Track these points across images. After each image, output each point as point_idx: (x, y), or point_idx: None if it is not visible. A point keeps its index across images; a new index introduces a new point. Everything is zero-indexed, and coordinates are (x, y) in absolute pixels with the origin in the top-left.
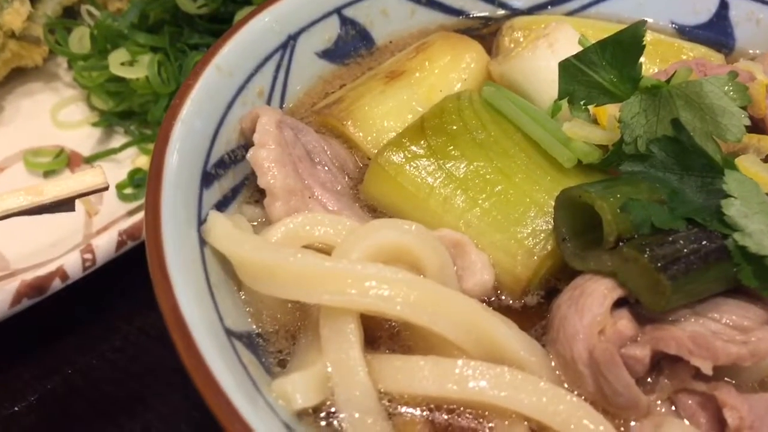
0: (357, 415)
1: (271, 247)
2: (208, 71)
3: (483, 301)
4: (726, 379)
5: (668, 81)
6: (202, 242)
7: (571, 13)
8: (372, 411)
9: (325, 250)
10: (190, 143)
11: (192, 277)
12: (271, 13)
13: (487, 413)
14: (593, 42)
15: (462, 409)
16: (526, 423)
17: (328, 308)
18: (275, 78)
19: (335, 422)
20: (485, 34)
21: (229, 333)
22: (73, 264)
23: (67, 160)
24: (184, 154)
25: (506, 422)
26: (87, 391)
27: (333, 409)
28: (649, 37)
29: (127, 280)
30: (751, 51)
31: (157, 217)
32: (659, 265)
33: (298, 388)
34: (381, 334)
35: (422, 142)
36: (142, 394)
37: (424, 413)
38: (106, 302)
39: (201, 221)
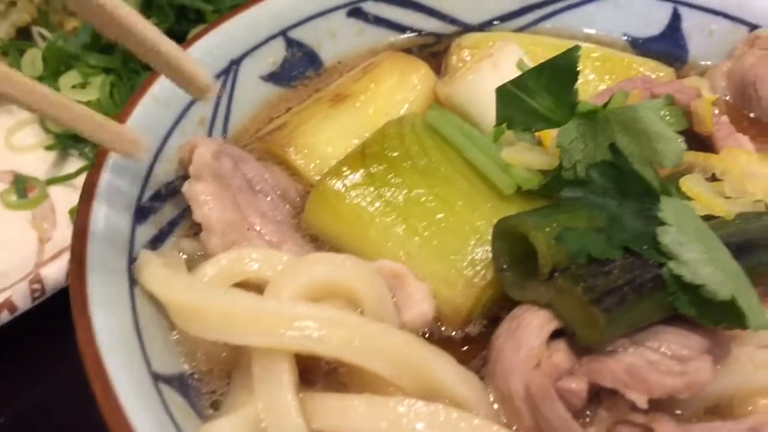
0: None
1: (198, 287)
2: (143, 102)
3: (424, 332)
4: (669, 407)
5: (606, 105)
6: (132, 281)
7: (522, 29)
8: None
9: (263, 287)
10: (123, 175)
11: (117, 320)
12: (211, 38)
13: None
14: (536, 64)
15: None
16: None
17: (260, 348)
18: (217, 105)
19: None
20: (436, 51)
21: (157, 377)
22: (21, 295)
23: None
24: (115, 188)
25: None
26: (40, 423)
27: None
28: (598, 53)
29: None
30: (703, 63)
31: (82, 254)
32: (593, 297)
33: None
34: (317, 372)
35: (362, 170)
36: (96, 424)
37: None
38: (57, 331)
39: (132, 258)
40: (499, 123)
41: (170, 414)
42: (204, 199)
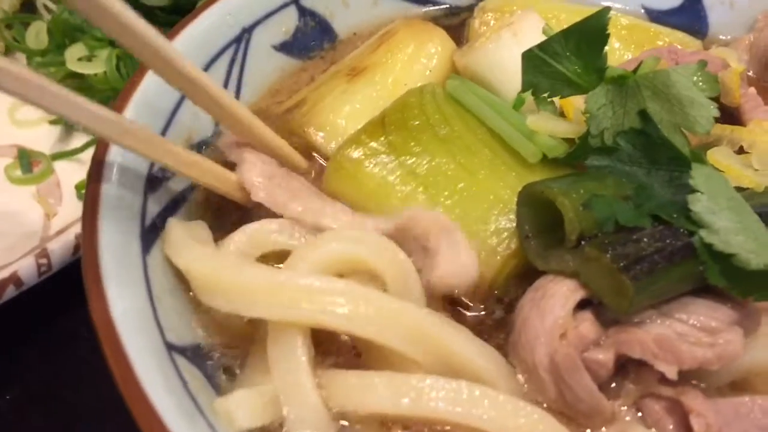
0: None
1: (217, 258)
2: (151, 72)
3: (454, 294)
4: (694, 382)
5: (635, 71)
6: (145, 250)
7: None
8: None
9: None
10: None
11: (130, 290)
12: (223, 6)
13: (447, 428)
14: (559, 30)
15: (420, 426)
16: None
17: (276, 324)
18: (229, 73)
19: None
20: (452, 24)
21: (171, 347)
22: (27, 269)
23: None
24: (125, 158)
25: None
26: (46, 399)
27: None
28: (624, 21)
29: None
30: (722, 36)
31: (94, 223)
32: (622, 265)
33: (241, 407)
34: (335, 348)
35: (382, 138)
36: (101, 402)
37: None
38: (64, 307)
39: (145, 227)
40: (524, 89)
41: (185, 384)
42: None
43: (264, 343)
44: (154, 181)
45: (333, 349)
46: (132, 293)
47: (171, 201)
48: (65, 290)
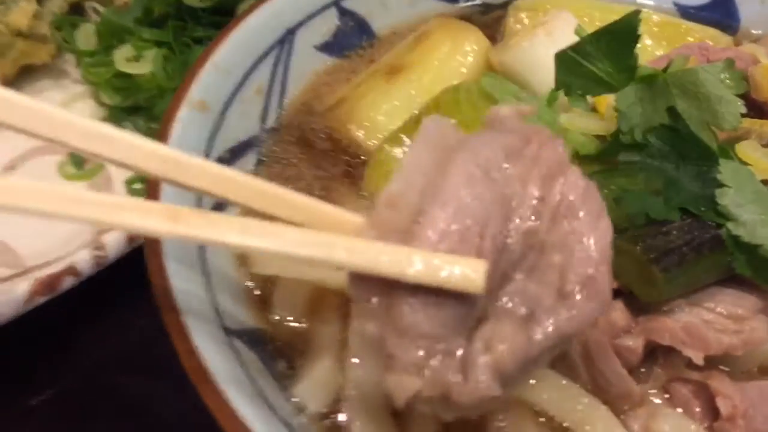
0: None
1: None
2: (205, 70)
3: None
4: (721, 367)
5: (665, 69)
6: (203, 248)
7: None
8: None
9: None
10: (188, 142)
11: (190, 276)
12: (268, 8)
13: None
14: (593, 27)
15: None
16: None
17: None
18: (274, 74)
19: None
20: (487, 21)
21: (229, 332)
22: (84, 261)
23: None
24: (183, 143)
25: (516, 419)
26: (103, 386)
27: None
28: (656, 18)
29: (141, 272)
30: (754, 31)
31: None
32: (652, 256)
33: (314, 391)
34: None
35: None
36: (157, 389)
37: None
38: (119, 295)
39: None
40: (557, 88)
41: (245, 368)
42: None
43: (322, 332)
44: None
45: None
46: (192, 280)
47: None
48: (121, 279)
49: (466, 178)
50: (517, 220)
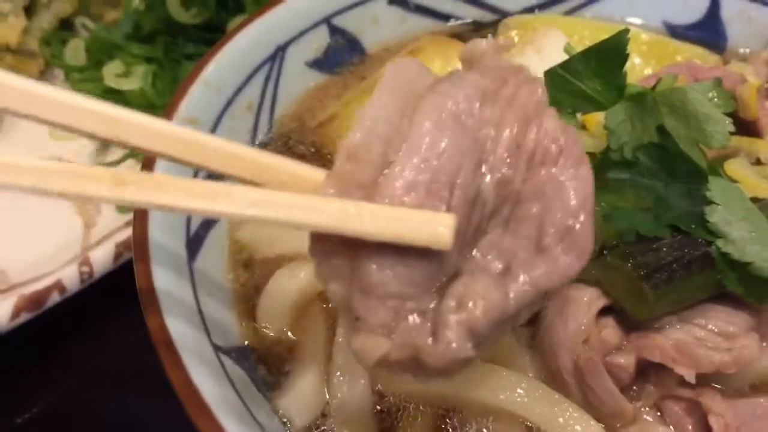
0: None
1: None
2: (195, 87)
3: None
4: (713, 384)
5: (654, 87)
6: (191, 256)
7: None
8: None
9: None
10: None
11: (180, 294)
12: (259, 25)
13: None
14: (583, 45)
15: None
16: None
17: None
18: (264, 90)
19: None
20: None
21: (217, 348)
22: (70, 277)
23: None
24: (171, 169)
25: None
26: (88, 403)
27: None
28: (645, 37)
29: (126, 290)
30: (741, 50)
31: (144, 232)
32: (642, 273)
33: (297, 405)
34: None
35: None
36: (142, 405)
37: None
38: (104, 312)
39: (189, 235)
40: None
41: (233, 385)
42: None
43: (307, 345)
44: None
45: None
46: (181, 298)
47: None
48: (105, 296)
49: (434, 125)
50: (491, 170)
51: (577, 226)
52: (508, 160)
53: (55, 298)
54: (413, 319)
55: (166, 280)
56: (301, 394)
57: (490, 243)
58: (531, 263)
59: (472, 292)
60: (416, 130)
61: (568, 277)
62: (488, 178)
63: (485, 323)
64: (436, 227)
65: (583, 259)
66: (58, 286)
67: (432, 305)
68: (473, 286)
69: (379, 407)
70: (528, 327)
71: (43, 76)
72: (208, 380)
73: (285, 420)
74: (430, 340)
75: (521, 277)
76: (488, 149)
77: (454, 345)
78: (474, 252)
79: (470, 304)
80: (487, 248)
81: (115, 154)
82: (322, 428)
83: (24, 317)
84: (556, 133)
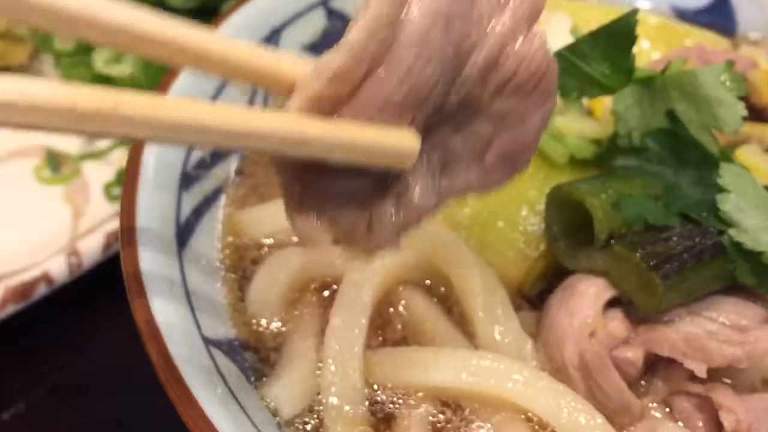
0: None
1: None
2: (186, 71)
3: None
4: (724, 379)
5: (663, 71)
6: (180, 247)
7: None
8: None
9: None
10: (167, 147)
11: (168, 287)
12: (253, 7)
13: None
14: (589, 28)
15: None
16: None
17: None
18: None
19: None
20: None
21: (207, 341)
22: (58, 268)
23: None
24: (161, 157)
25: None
26: (75, 398)
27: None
28: (653, 21)
29: (115, 281)
30: (752, 35)
31: (132, 222)
32: (651, 263)
33: (285, 395)
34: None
35: None
36: (131, 398)
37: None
38: (92, 305)
39: (180, 226)
40: None
41: (222, 375)
42: None
43: (298, 334)
44: (188, 179)
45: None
46: (170, 290)
47: (204, 199)
48: (94, 288)
49: (423, 33)
50: (462, 84)
51: (519, 154)
52: (482, 79)
53: (42, 289)
54: (356, 214)
55: (155, 270)
56: (291, 382)
57: (439, 140)
58: (468, 167)
59: (411, 193)
60: (402, 41)
61: (493, 189)
62: (457, 92)
63: (416, 223)
64: (402, 145)
65: (509, 179)
66: (46, 277)
67: (375, 201)
68: (413, 187)
69: (372, 399)
70: (532, 312)
71: (31, 61)
72: (195, 370)
73: (274, 409)
74: (365, 234)
75: (456, 178)
76: (468, 65)
77: (384, 241)
78: (423, 145)
79: (405, 208)
80: (435, 145)
81: (106, 141)
82: (314, 420)
83: (10, 309)
84: (536, 62)
